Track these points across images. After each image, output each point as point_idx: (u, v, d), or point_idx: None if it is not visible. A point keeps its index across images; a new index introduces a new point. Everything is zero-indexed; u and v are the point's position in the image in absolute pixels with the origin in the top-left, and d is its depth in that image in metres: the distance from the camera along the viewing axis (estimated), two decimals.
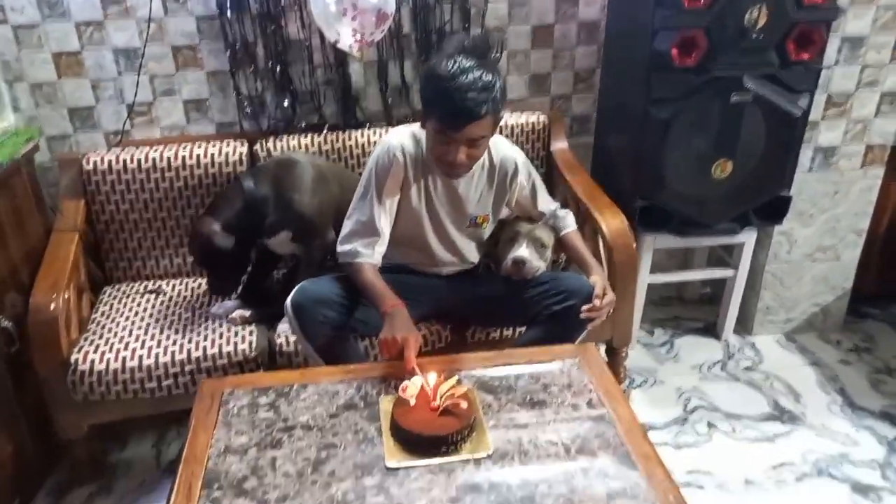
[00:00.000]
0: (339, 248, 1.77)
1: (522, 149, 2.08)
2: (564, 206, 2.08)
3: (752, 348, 2.63)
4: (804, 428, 2.22)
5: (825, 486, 1.99)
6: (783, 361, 2.56)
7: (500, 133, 2.28)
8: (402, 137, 1.75)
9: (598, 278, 1.82)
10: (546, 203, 1.98)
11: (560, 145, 2.51)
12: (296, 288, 1.74)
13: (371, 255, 1.74)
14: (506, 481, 1.29)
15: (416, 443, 1.36)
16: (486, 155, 1.79)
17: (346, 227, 1.79)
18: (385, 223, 1.75)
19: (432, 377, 1.44)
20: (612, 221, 2.12)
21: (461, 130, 1.56)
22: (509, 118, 2.43)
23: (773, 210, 2.33)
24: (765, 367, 2.53)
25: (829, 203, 2.49)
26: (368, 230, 1.74)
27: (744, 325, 2.71)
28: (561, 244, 1.98)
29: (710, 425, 2.23)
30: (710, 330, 2.73)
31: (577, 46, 2.51)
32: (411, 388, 1.42)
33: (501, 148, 1.84)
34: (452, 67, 1.53)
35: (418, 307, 1.75)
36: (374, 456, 1.35)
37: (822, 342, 2.67)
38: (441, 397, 1.41)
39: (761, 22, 1.98)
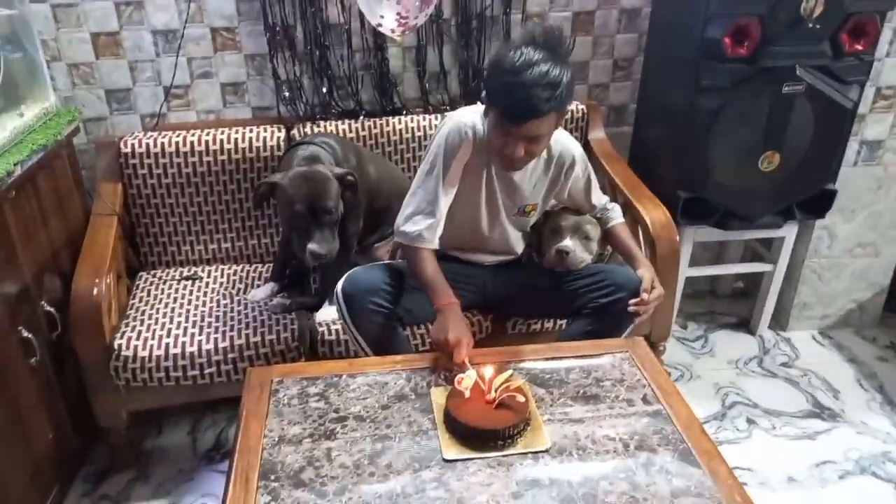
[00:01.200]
0: (402, 228, 1.69)
1: None
2: (612, 199, 2.05)
3: (788, 344, 2.60)
4: (845, 425, 2.19)
5: (869, 484, 1.97)
6: (820, 358, 2.53)
7: None
8: (473, 116, 1.69)
9: (645, 271, 1.79)
10: (598, 197, 1.94)
11: (598, 135, 2.47)
12: (345, 276, 1.71)
13: (433, 241, 1.69)
14: (566, 477, 1.27)
15: (472, 436, 1.34)
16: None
17: (410, 205, 1.71)
18: (445, 205, 1.69)
19: (487, 370, 1.42)
20: (654, 213, 2.09)
21: (522, 126, 1.51)
22: None
23: (817, 204, 2.29)
24: (801, 363, 2.50)
25: (871, 198, 2.45)
26: (432, 211, 1.67)
27: (778, 321, 2.68)
28: (607, 236, 1.94)
29: (749, 421, 2.20)
30: (744, 325, 2.70)
31: (617, 34, 2.47)
32: (466, 380, 1.40)
33: (562, 139, 1.79)
34: (519, 60, 1.46)
35: (461, 296, 1.72)
36: (430, 449, 1.33)
37: (858, 339, 2.63)
38: (496, 390, 1.39)
39: (817, 11, 1.93)
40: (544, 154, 1.75)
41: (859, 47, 2.02)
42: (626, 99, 2.59)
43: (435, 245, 1.70)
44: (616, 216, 1.95)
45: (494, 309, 1.98)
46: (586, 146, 2.46)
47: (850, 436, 2.15)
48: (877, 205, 2.46)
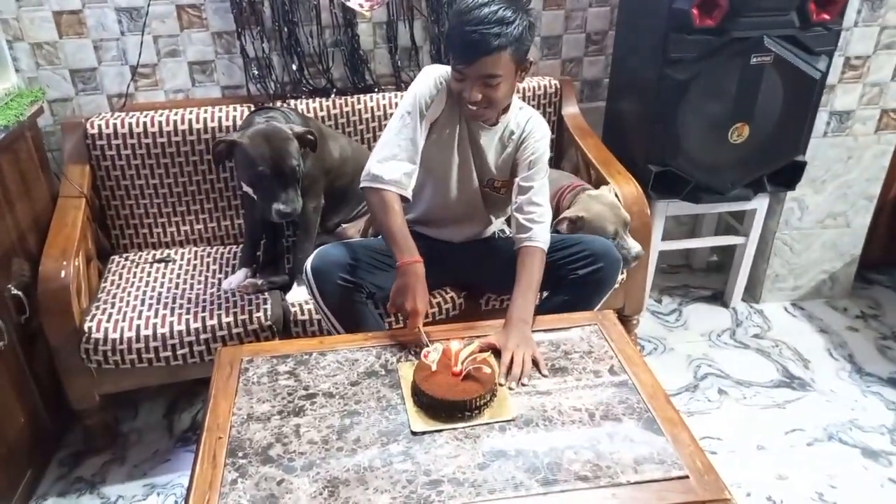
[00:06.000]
0: (375, 171, 1.62)
1: None
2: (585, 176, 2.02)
3: (761, 315, 2.64)
4: (814, 394, 2.23)
5: (836, 451, 2.01)
6: (791, 328, 2.56)
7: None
8: (444, 70, 1.69)
9: (513, 334, 1.54)
10: (533, 194, 1.70)
11: (571, 110, 2.47)
12: (314, 252, 1.71)
13: (408, 187, 1.65)
14: (532, 447, 1.29)
15: (439, 407, 1.35)
16: (513, 118, 1.73)
17: (382, 149, 1.65)
18: (416, 151, 1.65)
19: (454, 343, 1.43)
20: (625, 188, 2.10)
21: (472, 64, 1.52)
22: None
23: (787, 176, 2.31)
24: (773, 334, 2.53)
25: (841, 169, 2.47)
26: (410, 157, 1.64)
27: (752, 293, 2.71)
28: (517, 256, 1.68)
29: (720, 392, 2.23)
30: (718, 298, 2.73)
31: (589, 7, 2.46)
32: (433, 353, 1.41)
33: (526, 114, 1.76)
34: (472, 1, 1.50)
35: (432, 274, 1.72)
36: (399, 423, 1.34)
37: (829, 309, 2.67)
38: (462, 363, 1.40)
39: None
40: (511, 127, 1.74)
41: (826, 17, 2.03)
42: (599, 73, 2.59)
43: (408, 193, 1.66)
44: (537, 238, 1.68)
45: (467, 286, 1.99)
46: (560, 121, 2.47)
47: (818, 404, 2.19)
48: (847, 175, 2.48)
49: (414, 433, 1.31)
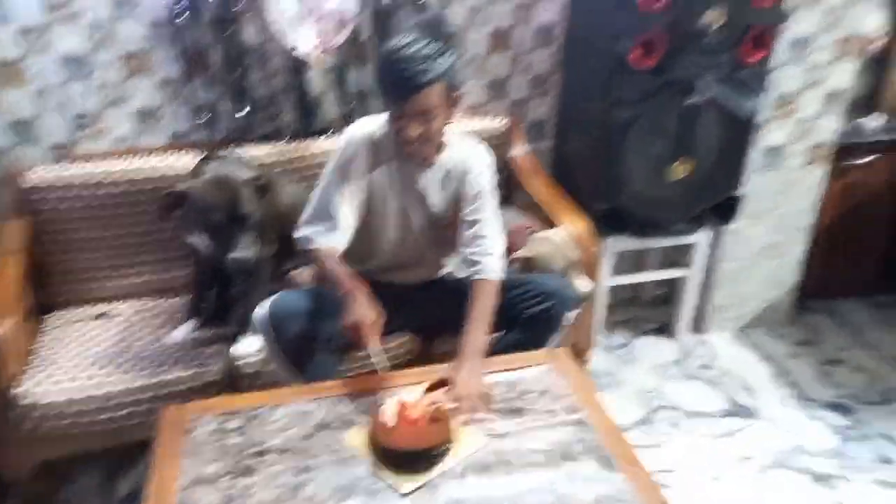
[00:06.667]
0: (298, 234, 1.72)
1: None
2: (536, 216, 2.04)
3: (707, 346, 2.70)
4: (761, 422, 2.29)
5: (787, 477, 2.06)
6: (737, 357, 2.63)
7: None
8: (367, 124, 1.74)
9: (463, 372, 1.56)
10: (481, 227, 1.74)
11: (519, 150, 2.52)
12: (268, 302, 1.68)
13: (329, 240, 1.68)
14: (492, 493, 1.29)
15: (397, 459, 1.33)
16: (452, 154, 1.75)
17: (306, 212, 1.73)
18: (346, 209, 1.69)
19: (409, 395, 1.42)
20: (574, 226, 2.14)
21: (408, 101, 1.55)
22: (468, 124, 2.42)
23: (726, 210, 2.40)
24: (719, 363, 2.59)
25: (777, 201, 2.58)
26: (326, 214, 1.69)
27: (698, 324, 2.77)
28: (471, 290, 1.70)
29: (672, 424, 2.27)
30: (666, 330, 2.78)
31: (534, 50, 2.53)
32: (388, 406, 1.40)
33: (466, 147, 1.78)
34: (399, 41, 1.55)
35: (388, 320, 1.71)
36: (355, 477, 1.32)
37: (771, 337, 2.75)
38: (418, 412, 1.39)
39: (717, 24, 2.03)
40: (449, 164, 1.75)
41: (757, 58, 2.14)
42: (546, 114, 2.65)
43: (332, 243, 1.68)
44: (488, 270, 1.71)
45: (425, 329, 1.98)
46: (508, 163, 2.51)
47: (767, 431, 2.25)
48: (782, 207, 2.59)
49: (371, 487, 1.29)
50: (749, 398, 2.40)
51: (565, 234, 2.11)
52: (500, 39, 2.47)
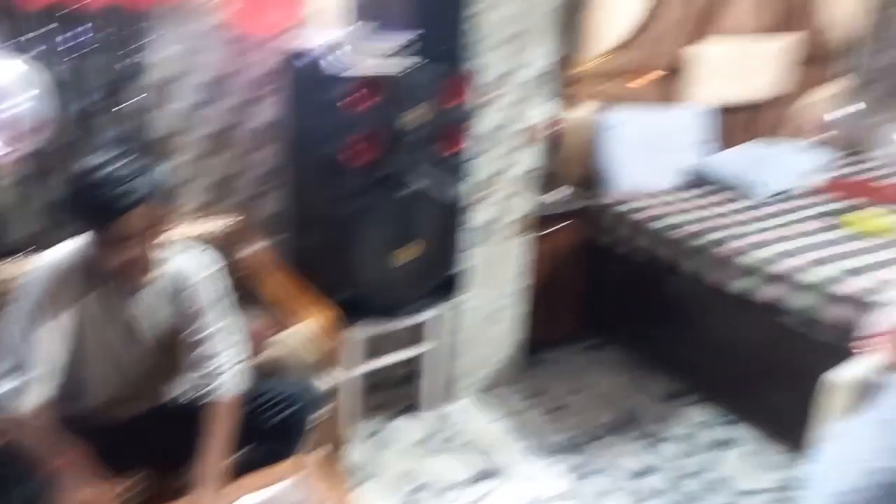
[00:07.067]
0: None
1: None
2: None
3: (452, 416, 2.81)
4: (510, 478, 2.45)
5: None
6: (480, 421, 2.79)
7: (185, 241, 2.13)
8: (59, 251, 1.57)
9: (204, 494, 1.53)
10: (203, 334, 1.67)
11: (251, 249, 2.45)
12: None
13: (27, 400, 1.45)
14: None
15: None
16: (164, 273, 1.63)
17: None
18: (45, 351, 1.48)
19: None
20: (316, 319, 2.13)
21: (109, 228, 1.43)
22: (190, 229, 2.29)
23: (449, 286, 2.61)
24: (464, 431, 2.72)
25: (494, 271, 2.86)
26: (17, 368, 1.46)
27: (446, 395, 2.90)
28: (205, 414, 1.62)
29: (432, 502, 2.32)
30: (415, 407, 2.84)
31: (259, 148, 2.51)
32: None
33: (183, 259, 1.68)
34: (93, 161, 1.44)
35: (118, 462, 1.51)
36: None
37: (507, 395, 2.97)
38: None
39: (416, 124, 2.25)
40: (160, 280, 1.64)
41: (454, 150, 2.41)
42: (280, 207, 2.63)
43: (33, 403, 1.47)
44: (221, 389, 1.64)
45: (155, 463, 1.76)
46: (238, 263, 2.42)
47: (517, 486, 2.41)
48: (499, 276, 2.88)
49: None
50: (494, 458, 2.56)
51: (307, 330, 2.09)
52: (220, 140, 2.43)
